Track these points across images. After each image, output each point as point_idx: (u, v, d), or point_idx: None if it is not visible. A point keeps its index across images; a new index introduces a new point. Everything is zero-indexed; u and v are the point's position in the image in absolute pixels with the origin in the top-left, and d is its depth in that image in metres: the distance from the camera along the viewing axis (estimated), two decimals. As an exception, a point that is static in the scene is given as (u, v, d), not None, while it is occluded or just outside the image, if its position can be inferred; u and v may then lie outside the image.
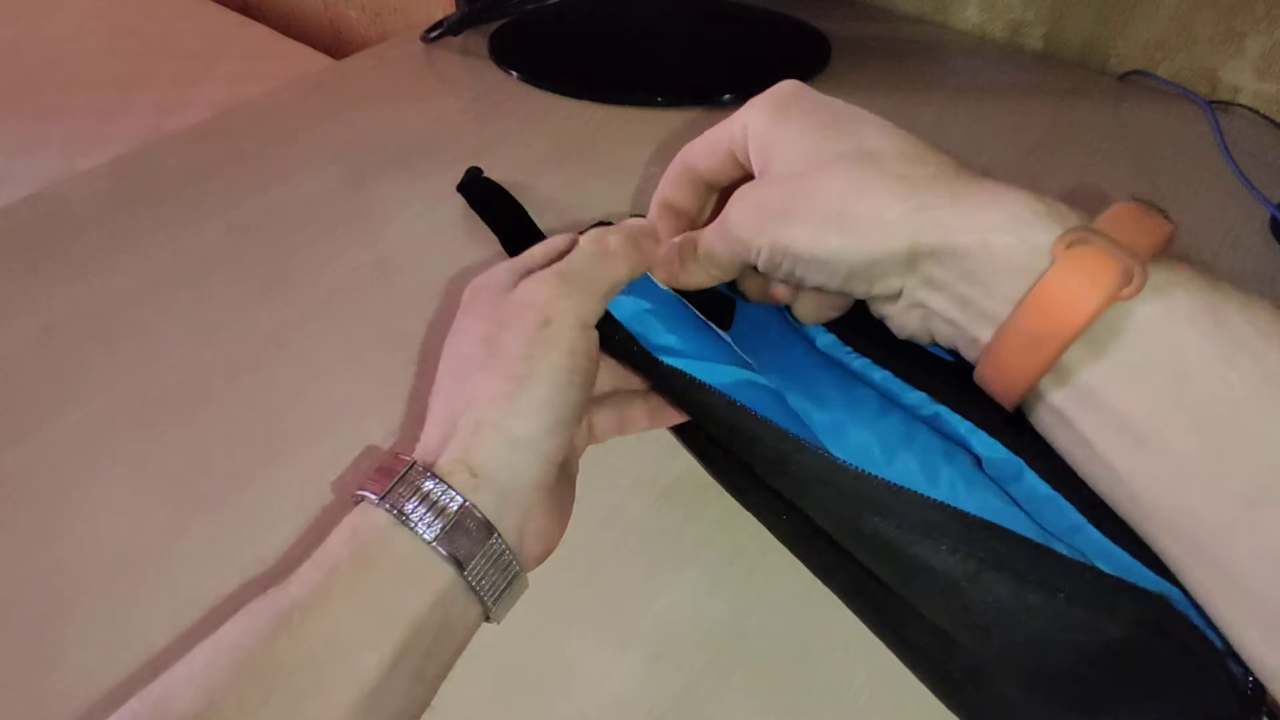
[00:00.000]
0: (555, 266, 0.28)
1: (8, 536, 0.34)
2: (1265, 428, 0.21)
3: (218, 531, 0.34)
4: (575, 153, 0.57)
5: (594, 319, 0.28)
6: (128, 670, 0.30)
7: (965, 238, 0.23)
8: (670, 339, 0.29)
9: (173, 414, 0.39)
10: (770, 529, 0.34)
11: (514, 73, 0.65)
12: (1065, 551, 0.26)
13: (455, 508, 0.24)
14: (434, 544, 0.23)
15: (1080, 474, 0.25)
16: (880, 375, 0.31)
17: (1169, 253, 0.23)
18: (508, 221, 0.47)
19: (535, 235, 0.46)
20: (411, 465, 0.25)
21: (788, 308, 0.31)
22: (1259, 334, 0.21)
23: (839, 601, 0.32)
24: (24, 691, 0.29)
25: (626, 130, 0.59)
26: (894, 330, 0.28)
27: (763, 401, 0.29)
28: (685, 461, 0.37)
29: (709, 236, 0.29)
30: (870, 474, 0.26)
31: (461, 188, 0.51)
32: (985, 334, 0.24)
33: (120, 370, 0.41)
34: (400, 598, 0.23)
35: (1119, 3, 0.65)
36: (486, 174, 0.51)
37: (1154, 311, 0.22)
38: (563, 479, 0.29)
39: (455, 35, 0.68)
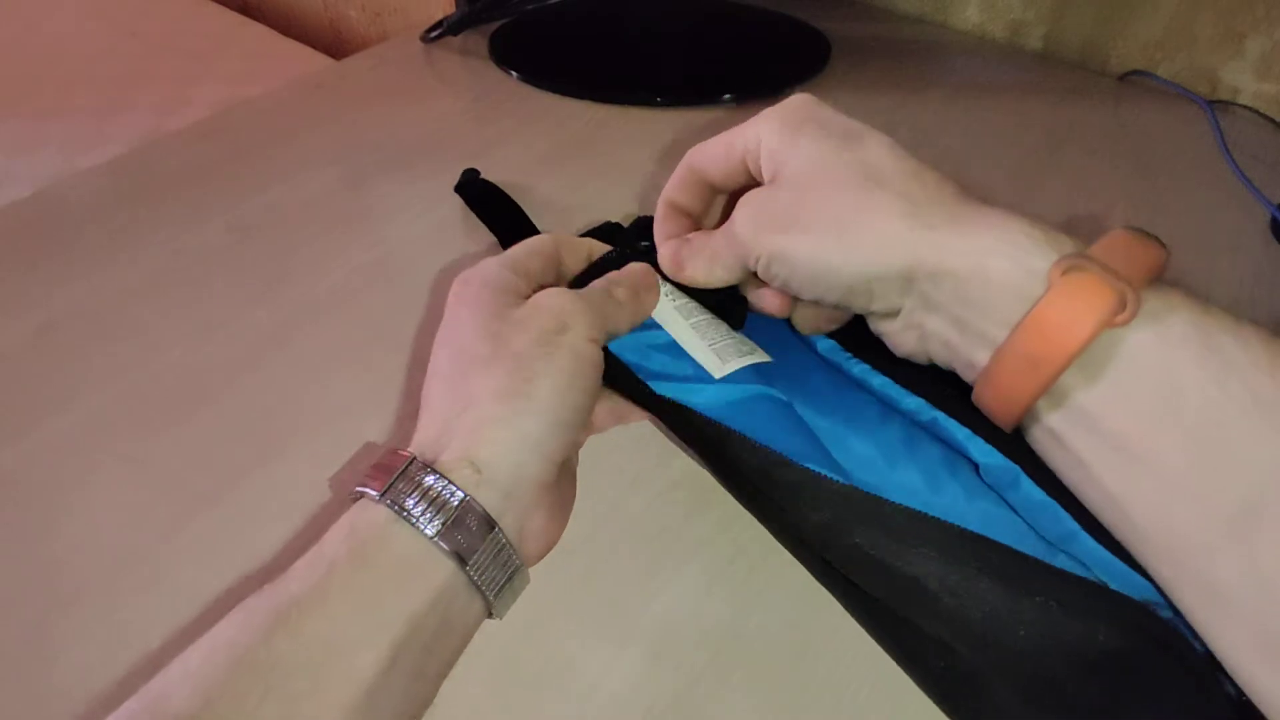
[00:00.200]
0: (574, 291, 0.29)
1: (6, 534, 0.34)
2: (1254, 450, 0.21)
3: (215, 529, 0.34)
4: (575, 153, 0.57)
5: (603, 339, 0.29)
6: (125, 668, 0.30)
7: (963, 260, 0.24)
8: (665, 363, 0.30)
9: (171, 412, 0.38)
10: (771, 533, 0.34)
11: (514, 73, 0.65)
12: (1065, 560, 0.26)
13: (456, 503, 0.24)
14: (435, 539, 0.23)
15: (1075, 494, 0.25)
16: (880, 381, 0.31)
17: (1162, 279, 0.24)
18: (506, 222, 0.47)
19: (534, 235, 0.46)
20: (411, 461, 0.25)
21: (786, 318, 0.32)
22: (1250, 359, 0.22)
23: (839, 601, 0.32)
24: (21, 689, 0.29)
25: (626, 130, 0.59)
26: (891, 348, 0.29)
27: (767, 415, 0.29)
28: (685, 461, 0.37)
29: (717, 238, 0.30)
30: (857, 488, 0.27)
31: (459, 189, 0.51)
32: (982, 357, 0.25)
33: (119, 369, 0.40)
34: (398, 594, 0.23)
35: (1119, 3, 0.65)
36: (487, 174, 0.51)
37: (1147, 336, 0.22)
38: (563, 475, 0.29)
39: (455, 35, 0.68)
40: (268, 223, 0.50)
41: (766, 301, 0.31)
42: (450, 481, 0.24)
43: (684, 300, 0.32)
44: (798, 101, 0.29)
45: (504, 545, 0.25)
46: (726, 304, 0.32)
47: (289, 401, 0.39)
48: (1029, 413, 0.24)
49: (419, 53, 0.68)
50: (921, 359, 0.28)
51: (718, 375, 0.30)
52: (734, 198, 0.30)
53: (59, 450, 0.37)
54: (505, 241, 0.46)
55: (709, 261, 0.30)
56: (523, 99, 0.62)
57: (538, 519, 0.27)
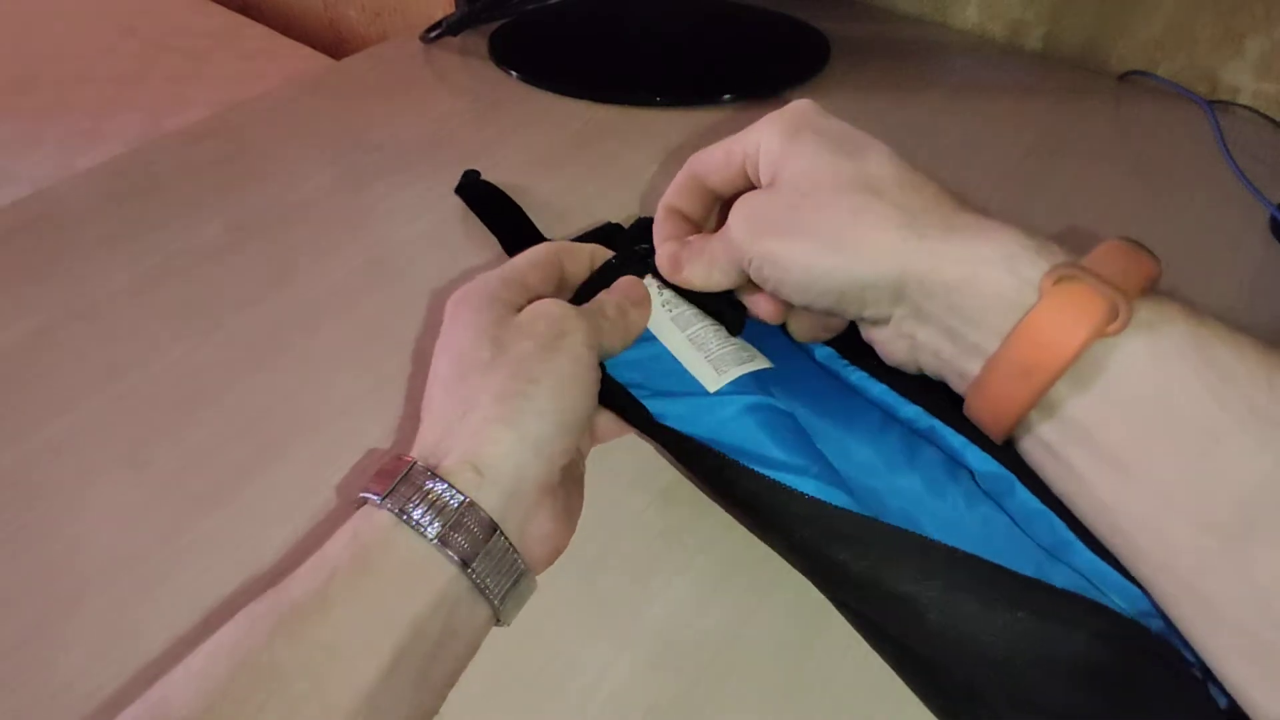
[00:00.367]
0: (569, 304, 0.29)
1: (6, 536, 0.34)
2: (1249, 462, 0.21)
3: (216, 532, 0.34)
4: (575, 153, 0.57)
5: (598, 352, 0.29)
6: (127, 670, 0.30)
7: (955, 269, 0.24)
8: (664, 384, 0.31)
9: (171, 414, 0.38)
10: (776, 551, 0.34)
11: (513, 73, 0.64)
12: (1064, 569, 0.26)
13: (456, 505, 0.24)
14: (435, 542, 0.23)
15: (1068, 504, 0.25)
16: (879, 389, 0.31)
17: (1158, 290, 0.24)
18: (506, 223, 0.47)
19: (535, 236, 0.46)
20: (413, 465, 0.25)
21: (783, 325, 0.32)
22: (1245, 370, 0.21)
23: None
24: (23, 693, 0.29)
25: (626, 130, 0.59)
26: (882, 357, 0.29)
27: (767, 424, 0.29)
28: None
29: (715, 241, 0.30)
30: (833, 505, 0.27)
31: (459, 191, 0.51)
32: (973, 367, 0.25)
33: (118, 369, 0.40)
34: (400, 599, 0.23)
35: (1119, 3, 0.65)
36: (486, 173, 0.51)
37: (1140, 347, 0.22)
38: (570, 481, 0.29)
39: (455, 35, 0.68)
40: (267, 223, 0.50)
41: (759, 307, 0.31)
42: (451, 485, 0.24)
43: (681, 310, 0.32)
44: (799, 107, 0.29)
45: (507, 549, 0.25)
46: (725, 310, 0.32)
47: (289, 402, 0.39)
48: (1021, 423, 0.24)
49: (418, 53, 0.68)
50: (911, 369, 0.28)
51: (712, 389, 0.30)
52: (729, 204, 0.30)
53: (59, 451, 0.37)
54: (506, 242, 0.46)
55: (707, 264, 0.30)
56: (522, 99, 0.62)
57: (542, 523, 0.27)
